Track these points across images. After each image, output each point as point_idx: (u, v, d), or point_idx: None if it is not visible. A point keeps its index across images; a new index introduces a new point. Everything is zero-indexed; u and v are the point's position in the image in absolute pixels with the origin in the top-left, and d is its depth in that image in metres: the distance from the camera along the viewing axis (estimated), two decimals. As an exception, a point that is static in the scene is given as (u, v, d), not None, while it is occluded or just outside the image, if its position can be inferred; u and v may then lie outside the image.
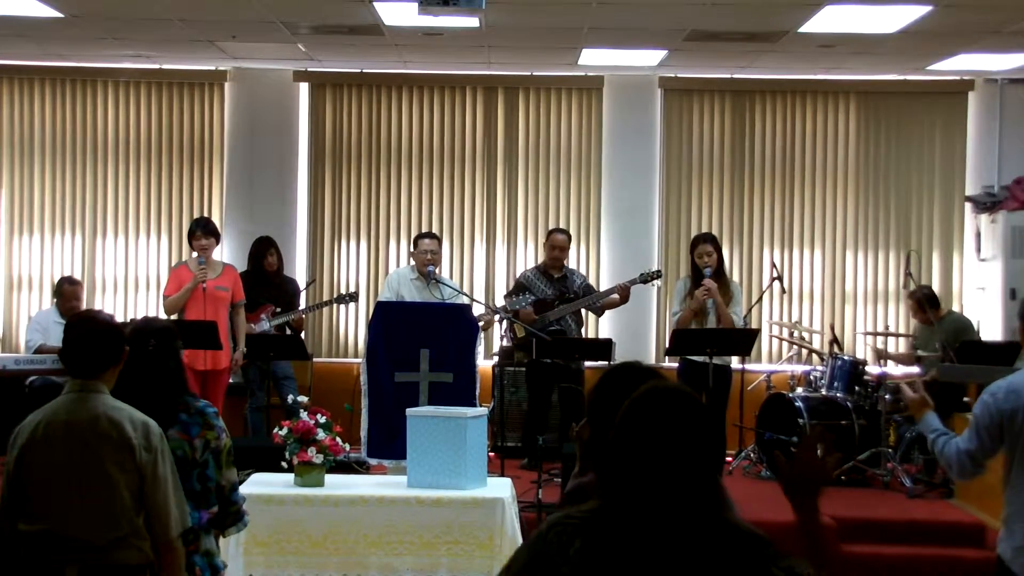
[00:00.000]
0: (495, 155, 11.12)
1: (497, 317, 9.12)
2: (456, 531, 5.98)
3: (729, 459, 9.25)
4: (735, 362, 9.21)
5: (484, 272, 11.09)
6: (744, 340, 8.92)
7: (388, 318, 7.41)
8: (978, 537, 7.52)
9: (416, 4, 7.32)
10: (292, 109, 11.16)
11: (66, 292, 9.37)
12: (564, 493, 3.37)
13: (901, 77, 10.95)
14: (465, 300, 8.32)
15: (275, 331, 9.51)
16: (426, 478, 6.15)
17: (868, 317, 11.07)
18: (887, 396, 8.79)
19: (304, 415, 6.20)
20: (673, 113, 11.12)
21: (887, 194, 11.09)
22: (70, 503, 3.80)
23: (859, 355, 10.31)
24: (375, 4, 8.27)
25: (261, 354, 9.04)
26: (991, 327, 10.54)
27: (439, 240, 9.03)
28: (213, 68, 11.06)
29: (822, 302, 11.09)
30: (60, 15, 8.83)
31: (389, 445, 7.11)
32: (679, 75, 11.01)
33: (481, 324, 8.29)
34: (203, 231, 8.83)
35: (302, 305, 10.06)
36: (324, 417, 6.22)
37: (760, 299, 10.49)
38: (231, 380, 9.22)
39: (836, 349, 9.51)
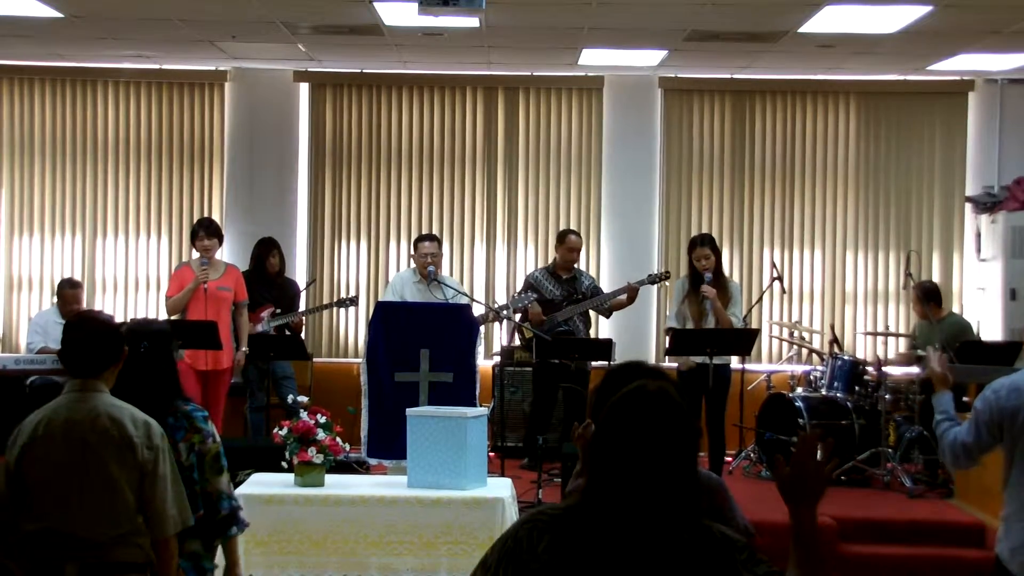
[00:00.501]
0: (495, 155, 11.13)
1: (504, 313, 9.10)
2: (456, 531, 5.97)
3: (729, 459, 9.26)
4: (735, 362, 9.21)
5: (484, 272, 11.09)
6: (744, 340, 8.92)
7: (388, 318, 7.41)
8: (978, 537, 7.52)
9: (416, 4, 7.32)
10: (292, 109, 11.16)
11: (67, 296, 9.31)
12: (565, 494, 3.37)
13: (901, 77, 10.95)
14: (466, 301, 8.30)
15: (274, 331, 9.51)
16: (426, 478, 6.15)
17: (868, 317, 11.07)
18: (887, 396, 8.80)
19: (304, 415, 6.20)
20: (673, 113, 11.12)
21: (887, 194, 11.09)
22: (71, 501, 3.81)
23: (859, 355, 10.31)
24: (375, 4, 8.27)
25: (261, 354, 9.04)
26: (991, 327, 10.54)
27: (439, 241, 9.03)
28: (213, 68, 11.06)
29: (822, 302, 11.09)
30: (60, 15, 8.84)
31: (389, 445, 7.11)
32: (679, 75, 11.01)
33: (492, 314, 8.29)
34: (206, 232, 8.84)
35: (302, 307, 10.07)
36: (324, 417, 6.22)
37: (760, 299, 10.49)
38: (232, 380, 9.21)
39: (836, 349, 9.52)
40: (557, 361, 9.08)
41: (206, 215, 10.61)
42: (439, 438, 6.13)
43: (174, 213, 11.11)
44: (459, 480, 6.09)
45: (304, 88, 11.17)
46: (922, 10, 8.23)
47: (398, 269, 10.86)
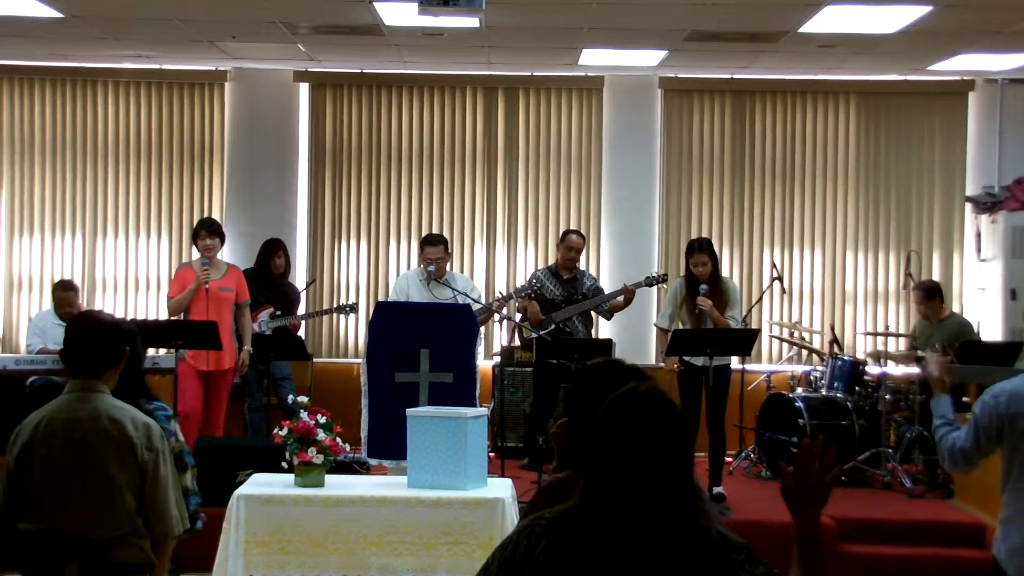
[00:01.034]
0: (495, 155, 11.13)
1: (510, 303, 9.11)
2: (456, 531, 5.97)
3: (729, 459, 9.25)
4: (735, 362, 9.21)
5: (484, 272, 11.09)
6: (744, 340, 8.91)
7: (388, 318, 7.41)
8: (978, 537, 7.51)
9: (416, 4, 7.33)
10: (292, 109, 11.16)
11: (60, 298, 9.26)
12: (540, 489, 3.37)
13: (901, 77, 10.95)
14: (468, 301, 8.30)
15: (271, 332, 9.50)
16: (426, 478, 6.15)
17: (868, 317, 11.07)
18: (887, 396, 8.80)
19: (304, 415, 6.20)
20: (673, 113, 11.12)
21: (887, 194, 11.09)
22: (71, 501, 3.81)
23: (859, 355, 10.31)
24: (375, 4, 8.27)
25: (261, 355, 9.03)
26: (991, 327, 10.54)
27: (445, 244, 8.95)
28: (213, 68, 11.06)
29: (822, 302, 11.09)
30: (60, 15, 8.84)
31: (389, 445, 7.11)
32: (679, 75, 11.01)
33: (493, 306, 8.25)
34: (208, 231, 8.83)
35: (301, 311, 10.07)
36: (324, 417, 6.22)
37: (760, 299, 10.49)
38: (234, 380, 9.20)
39: (836, 349, 9.52)
40: (557, 361, 9.08)
41: (206, 215, 10.61)
42: (439, 438, 6.12)
43: (174, 213, 11.11)
44: (459, 480, 6.09)
45: (304, 88, 11.17)
46: (922, 10, 8.23)
47: (398, 269, 10.88)
